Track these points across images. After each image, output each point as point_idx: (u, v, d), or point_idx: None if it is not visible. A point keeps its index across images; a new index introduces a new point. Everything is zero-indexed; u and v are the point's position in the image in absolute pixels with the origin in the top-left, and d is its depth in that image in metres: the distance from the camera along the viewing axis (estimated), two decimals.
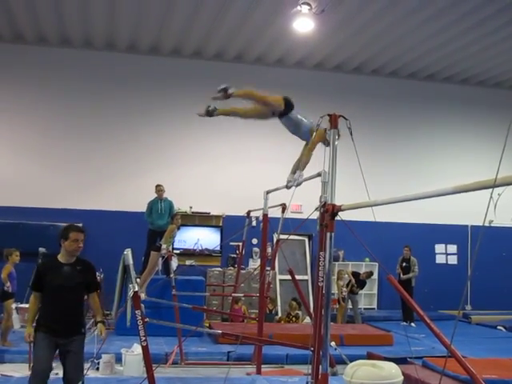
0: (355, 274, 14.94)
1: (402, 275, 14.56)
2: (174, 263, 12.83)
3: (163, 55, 15.51)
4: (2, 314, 10.52)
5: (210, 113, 7.20)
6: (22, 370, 8.96)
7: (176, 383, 8.42)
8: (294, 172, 6.60)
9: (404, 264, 14.77)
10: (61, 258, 5.94)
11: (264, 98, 6.91)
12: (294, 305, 13.89)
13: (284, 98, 6.87)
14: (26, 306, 9.67)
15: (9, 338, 10.36)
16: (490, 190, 3.01)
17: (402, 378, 5.73)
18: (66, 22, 13.68)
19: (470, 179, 3.35)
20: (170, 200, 13.29)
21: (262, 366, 9.05)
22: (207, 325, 12.43)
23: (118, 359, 9.20)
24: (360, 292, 15.18)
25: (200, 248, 15.12)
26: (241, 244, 13.43)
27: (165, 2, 12.37)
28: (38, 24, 13.87)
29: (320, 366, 5.02)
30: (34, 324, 5.84)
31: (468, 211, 14.66)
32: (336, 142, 5.05)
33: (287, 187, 6.56)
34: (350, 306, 14.78)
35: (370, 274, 15.09)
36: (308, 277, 15.60)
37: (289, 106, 6.84)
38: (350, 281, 14.70)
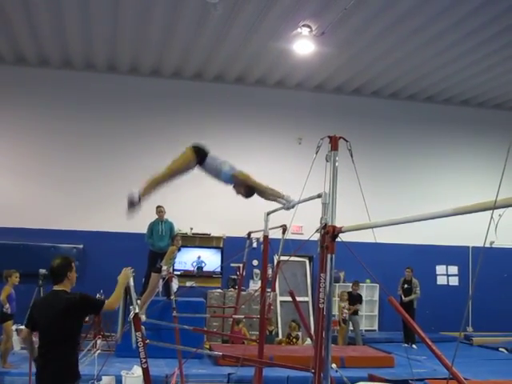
0: (349, 295, 14.82)
1: (403, 297, 14.50)
2: (175, 285, 12.80)
3: (164, 77, 15.61)
4: (2, 336, 10.48)
5: (133, 203, 6.51)
6: None
7: None
8: (275, 200, 6.63)
9: (405, 286, 14.70)
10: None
11: (174, 170, 6.71)
12: (293, 325, 13.84)
13: (193, 148, 6.58)
14: None
15: (9, 359, 10.32)
16: (491, 211, 3.02)
17: None
18: (69, 44, 13.78)
19: (471, 200, 3.35)
20: (170, 221, 13.28)
21: None
22: (208, 346, 12.39)
23: (118, 381, 9.15)
24: (360, 313, 15.11)
25: (197, 267, 15.13)
26: (241, 265, 13.40)
27: (165, 26, 12.47)
28: (40, 46, 13.97)
29: None
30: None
31: (469, 232, 14.62)
32: (336, 164, 5.07)
33: (286, 209, 6.56)
34: (351, 328, 14.69)
35: (356, 282, 14.95)
36: (309, 298, 15.55)
37: (201, 154, 6.56)
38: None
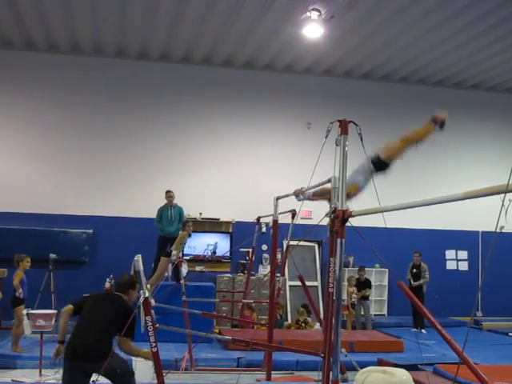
0: (358, 281, 14.80)
1: (412, 281, 14.48)
2: (184, 269, 12.85)
3: (173, 62, 15.55)
4: (13, 320, 10.56)
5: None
6: (32, 376, 9.01)
7: None
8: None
9: (414, 270, 14.67)
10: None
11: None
12: (302, 310, 13.87)
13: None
14: (37, 311, 9.73)
15: (20, 343, 10.40)
16: (502, 195, 3.00)
17: None
18: (77, 29, 13.74)
19: (481, 185, 3.34)
20: (179, 206, 13.28)
21: (272, 372, 9.04)
22: (217, 331, 12.44)
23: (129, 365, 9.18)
24: (370, 298, 15.10)
25: (210, 254, 15.14)
26: (251, 250, 13.44)
27: (174, 10, 12.41)
28: (48, 32, 13.94)
29: (330, 373, 5.01)
30: None
31: (479, 217, 14.64)
32: (346, 148, 5.05)
33: (299, 200, 6.55)
34: (363, 313, 14.68)
35: (361, 267, 14.95)
36: (318, 283, 15.56)
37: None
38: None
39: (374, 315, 15.79)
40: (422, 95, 17.01)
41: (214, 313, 12.75)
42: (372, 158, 5.99)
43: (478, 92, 17.36)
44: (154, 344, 5.41)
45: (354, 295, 14.47)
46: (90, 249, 14.68)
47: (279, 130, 16.11)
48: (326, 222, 5.42)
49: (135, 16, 12.82)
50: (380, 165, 6.08)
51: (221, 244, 15.36)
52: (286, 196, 7.80)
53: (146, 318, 5.39)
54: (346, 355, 9.10)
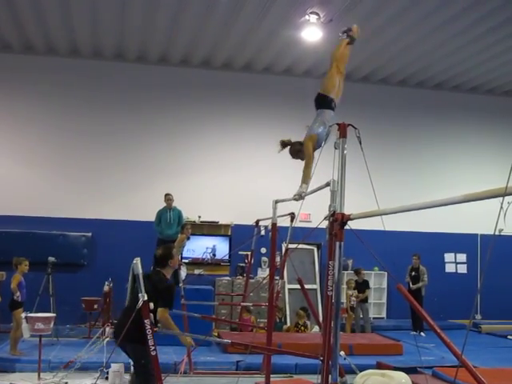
0: (357, 283, 14.78)
1: (411, 284, 14.47)
2: (183, 272, 12.84)
3: (172, 65, 15.55)
4: (12, 324, 10.54)
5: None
6: (31, 380, 8.99)
7: None
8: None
9: (413, 273, 14.66)
10: (167, 275, 6.43)
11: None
12: (301, 313, 13.85)
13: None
14: (36, 315, 9.72)
15: (18, 347, 10.38)
16: (500, 198, 3.00)
17: None
18: (76, 32, 13.74)
19: (480, 188, 3.34)
20: (178, 209, 13.30)
21: (271, 375, 9.00)
22: (216, 334, 12.42)
23: (127, 368, 9.17)
24: (369, 301, 15.09)
25: (208, 257, 15.12)
26: (249, 253, 13.43)
27: (173, 13, 12.41)
28: (47, 35, 13.94)
29: (329, 376, 5.01)
30: None
31: (478, 220, 14.65)
32: (345, 151, 5.05)
33: (296, 200, 6.55)
34: (362, 315, 14.66)
35: (357, 270, 14.91)
36: (317, 286, 15.55)
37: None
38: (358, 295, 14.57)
39: (373, 318, 15.77)
40: (420, 98, 17.04)
41: (212, 316, 12.74)
42: (332, 107, 7.08)
43: (477, 95, 17.38)
44: (153, 347, 5.41)
45: (353, 298, 14.46)
46: (89, 252, 14.67)
47: (278, 132, 15.99)
48: (324, 224, 5.41)
49: (134, 19, 12.82)
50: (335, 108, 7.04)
51: (220, 247, 15.37)
52: (284, 200, 7.79)
53: (145, 321, 5.40)
54: (344, 358, 9.07)
